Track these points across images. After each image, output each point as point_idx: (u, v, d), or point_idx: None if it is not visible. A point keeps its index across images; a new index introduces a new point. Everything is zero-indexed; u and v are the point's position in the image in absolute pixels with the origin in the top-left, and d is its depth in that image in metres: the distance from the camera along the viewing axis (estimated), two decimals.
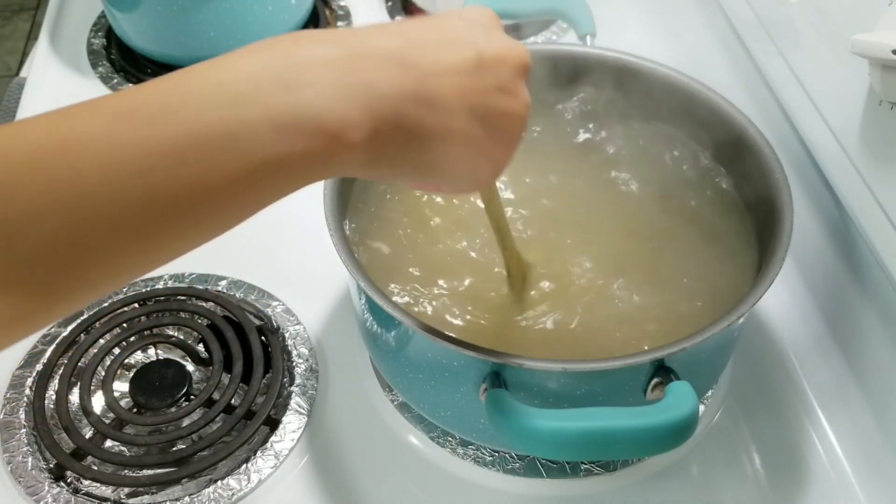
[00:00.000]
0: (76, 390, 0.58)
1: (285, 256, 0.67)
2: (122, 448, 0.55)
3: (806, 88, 0.58)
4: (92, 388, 0.58)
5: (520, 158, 0.58)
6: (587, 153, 0.59)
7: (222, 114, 0.29)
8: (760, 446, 0.56)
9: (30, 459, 0.54)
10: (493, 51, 0.36)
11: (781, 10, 0.61)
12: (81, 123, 0.29)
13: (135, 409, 0.57)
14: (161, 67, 0.83)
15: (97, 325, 0.61)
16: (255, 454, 0.55)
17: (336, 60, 0.32)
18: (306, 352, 0.60)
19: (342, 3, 0.91)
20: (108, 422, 0.56)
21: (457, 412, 0.49)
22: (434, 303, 0.50)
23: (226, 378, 0.58)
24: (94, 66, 0.84)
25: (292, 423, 0.56)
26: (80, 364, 0.59)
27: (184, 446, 0.55)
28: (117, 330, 0.61)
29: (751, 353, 0.60)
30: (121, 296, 0.63)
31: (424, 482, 0.54)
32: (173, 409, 0.57)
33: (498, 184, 0.48)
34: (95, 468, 0.54)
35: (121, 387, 0.58)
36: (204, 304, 0.63)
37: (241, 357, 0.59)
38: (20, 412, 0.57)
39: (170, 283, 0.64)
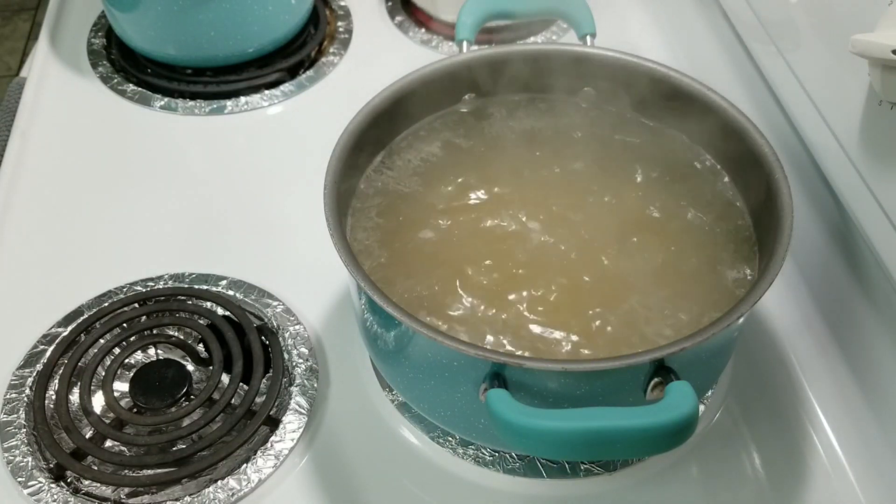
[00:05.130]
0: (76, 390, 0.58)
1: (285, 256, 0.67)
2: (122, 448, 0.55)
3: (806, 88, 0.58)
4: (92, 388, 0.58)
5: (520, 158, 0.58)
6: (586, 153, 0.59)
7: None
8: (760, 446, 0.56)
9: (30, 459, 0.54)
10: None
11: (781, 10, 0.61)
12: None
13: (135, 409, 0.57)
14: (161, 67, 0.83)
15: (97, 325, 0.61)
16: (255, 454, 0.55)
17: None
18: (306, 352, 0.60)
19: (342, 3, 0.91)
20: (108, 422, 0.56)
21: (457, 412, 0.49)
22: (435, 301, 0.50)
23: (226, 378, 0.58)
24: (94, 66, 0.84)
25: (292, 423, 0.56)
26: (80, 364, 0.59)
27: (184, 446, 0.55)
28: (117, 330, 0.61)
29: (751, 353, 0.60)
30: (121, 296, 0.63)
31: (424, 482, 0.54)
32: (173, 409, 0.57)
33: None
34: (95, 468, 0.54)
35: (121, 387, 0.58)
36: (204, 304, 0.63)
37: (241, 357, 0.59)
38: (20, 412, 0.57)
39: (170, 283, 0.64)
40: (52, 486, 0.53)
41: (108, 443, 0.55)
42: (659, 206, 0.55)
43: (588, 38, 0.62)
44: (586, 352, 0.48)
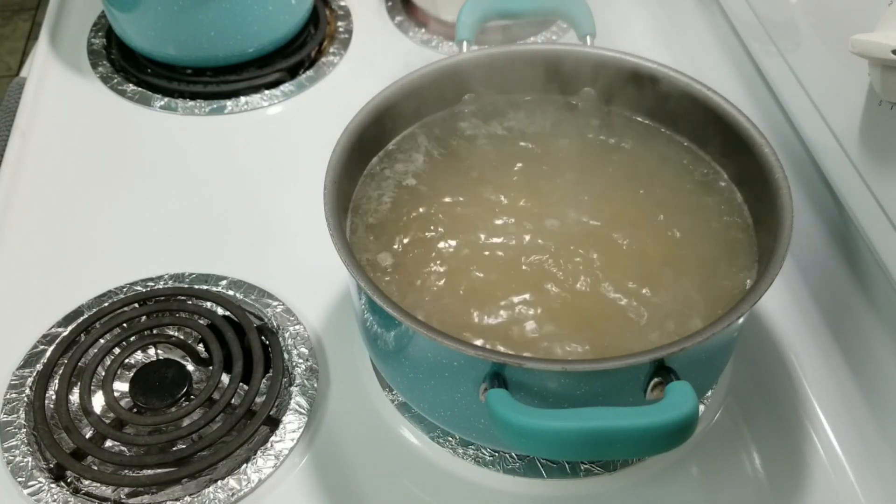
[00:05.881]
0: (76, 390, 0.58)
1: (285, 256, 0.67)
2: (122, 448, 0.55)
3: (806, 88, 0.58)
4: (92, 388, 0.58)
5: (520, 158, 0.58)
6: (585, 153, 0.59)
7: None
8: (760, 446, 0.56)
9: (30, 459, 0.54)
10: None
11: (781, 10, 0.61)
12: None
13: (135, 409, 0.57)
14: (161, 67, 0.83)
15: (97, 325, 0.61)
16: (255, 454, 0.55)
17: None
18: (306, 352, 0.60)
19: (342, 3, 0.91)
20: (108, 422, 0.56)
21: (457, 412, 0.49)
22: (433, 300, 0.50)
23: (226, 378, 0.58)
24: (94, 66, 0.84)
25: (292, 423, 0.56)
26: (80, 364, 0.59)
27: (184, 446, 0.55)
28: (117, 330, 0.61)
29: (751, 353, 0.60)
30: (121, 296, 0.63)
31: (424, 482, 0.54)
32: (173, 409, 0.57)
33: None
34: (95, 468, 0.54)
35: (121, 387, 0.58)
36: (204, 304, 0.63)
37: (241, 357, 0.59)
38: (20, 412, 0.57)
39: (170, 283, 0.64)
40: (52, 486, 0.53)
41: (108, 443, 0.55)
42: (658, 207, 0.55)
43: (588, 37, 0.62)
44: (587, 353, 0.48)
